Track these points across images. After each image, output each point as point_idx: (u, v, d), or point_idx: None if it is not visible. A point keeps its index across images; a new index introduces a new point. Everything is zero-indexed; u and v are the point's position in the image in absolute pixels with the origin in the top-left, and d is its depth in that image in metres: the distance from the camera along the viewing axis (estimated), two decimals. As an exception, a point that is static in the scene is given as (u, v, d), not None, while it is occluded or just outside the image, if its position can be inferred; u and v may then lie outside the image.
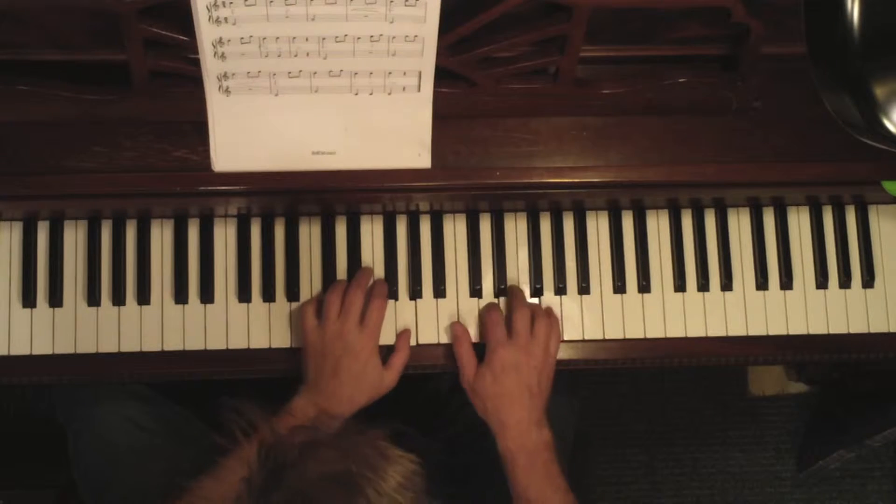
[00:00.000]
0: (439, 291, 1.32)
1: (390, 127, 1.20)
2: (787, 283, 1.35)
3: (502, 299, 1.33)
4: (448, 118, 1.21)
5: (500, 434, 1.22)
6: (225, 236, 1.32)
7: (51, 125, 1.20)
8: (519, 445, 1.21)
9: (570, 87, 1.22)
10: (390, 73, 1.16)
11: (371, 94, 1.18)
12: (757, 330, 1.35)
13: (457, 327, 1.30)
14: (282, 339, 1.31)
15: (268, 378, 1.31)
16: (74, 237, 1.31)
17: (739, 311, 1.35)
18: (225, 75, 1.14)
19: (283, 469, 0.89)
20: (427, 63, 1.14)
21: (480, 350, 1.28)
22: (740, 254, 1.36)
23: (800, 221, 1.37)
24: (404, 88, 1.18)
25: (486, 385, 1.23)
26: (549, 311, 1.30)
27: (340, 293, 1.26)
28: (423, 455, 0.96)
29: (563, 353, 1.31)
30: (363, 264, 1.32)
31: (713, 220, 1.36)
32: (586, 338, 1.33)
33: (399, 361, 1.27)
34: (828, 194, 1.35)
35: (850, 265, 1.36)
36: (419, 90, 1.18)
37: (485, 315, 1.29)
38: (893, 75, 0.91)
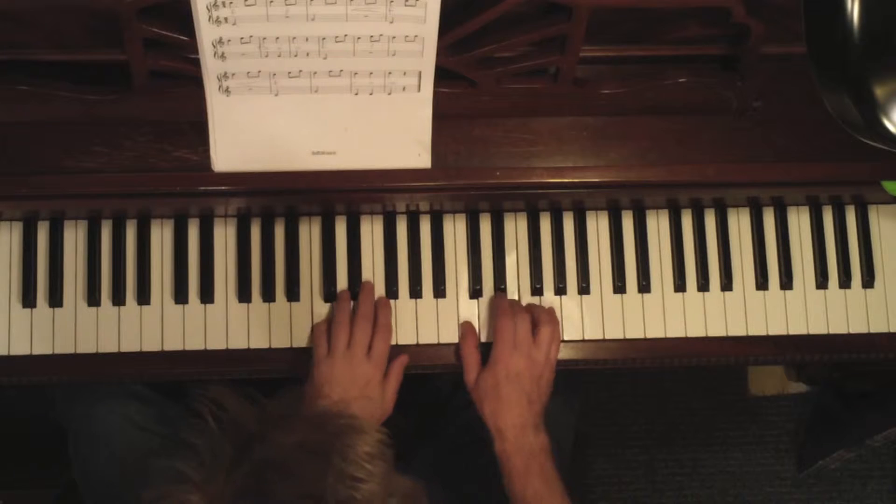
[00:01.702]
0: (439, 291, 1.32)
1: (390, 127, 1.20)
2: (787, 283, 1.35)
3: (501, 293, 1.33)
4: (448, 118, 1.21)
5: (497, 437, 1.23)
6: (225, 236, 1.32)
7: (51, 125, 1.20)
8: (515, 448, 1.22)
9: (570, 87, 1.22)
10: (390, 73, 1.16)
11: (371, 94, 1.18)
12: (757, 330, 1.34)
13: (464, 326, 1.30)
14: (282, 339, 1.31)
15: (267, 378, 1.31)
16: (74, 237, 1.31)
17: (739, 311, 1.35)
18: (225, 75, 1.14)
19: (251, 441, 0.89)
20: (427, 63, 1.14)
21: (484, 349, 1.28)
22: (740, 254, 1.36)
23: (800, 221, 1.37)
24: (404, 88, 1.18)
25: (488, 389, 1.24)
26: (550, 314, 1.30)
27: (347, 324, 1.27)
28: (395, 431, 0.96)
29: (563, 353, 1.31)
30: (363, 264, 1.32)
31: (713, 220, 1.36)
32: (586, 338, 1.33)
33: (392, 389, 1.27)
34: (828, 194, 1.35)
35: (850, 265, 1.36)
36: (419, 90, 1.18)
37: (497, 319, 1.28)
38: (893, 75, 0.91)
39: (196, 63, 1.13)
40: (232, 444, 0.89)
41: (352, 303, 1.30)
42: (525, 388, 1.23)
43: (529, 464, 1.21)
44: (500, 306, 1.29)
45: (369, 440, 0.90)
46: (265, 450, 0.87)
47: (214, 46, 1.10)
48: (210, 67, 1.13)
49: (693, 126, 1.25)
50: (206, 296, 1.30)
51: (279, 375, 1.30)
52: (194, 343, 1.30)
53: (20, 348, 1.29)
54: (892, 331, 1.36)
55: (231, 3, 1.06)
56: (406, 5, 1.08)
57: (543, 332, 1.26)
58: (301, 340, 1.30)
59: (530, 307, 1.30)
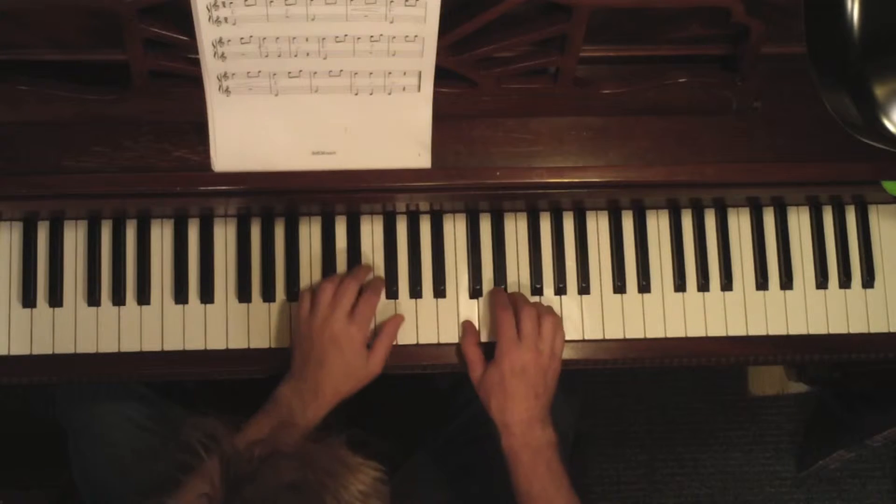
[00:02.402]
0: (439, 291, 1.32)
1: (390, 127, 1.20)
2: (787, 283, 1.35)
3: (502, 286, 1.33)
4: (448, 118, 1.21)
5: (504, 433, 1.22)
6: (225, 236, 1.32)
7: (51, 125, 1.20)
8: (523, 444, 1.21)
9: (570, 87, 1.22)
10: (390, 73, 1.16)
11: (371, 94, 1.18)
12: (757, 330, 1.35)
13: (464, 325, 1.30)
14: (282, 339, 1.31)
15: (270, 378, 1.31)
16: (74, 237, 1.31)
17: (739, 311, 1.35)
18: (225, 75, 1.14)
19: (242, 482, 0.88)
20: (427, 63, 1.14)
21: (487, 347, 1.28)
22: (740, 254, 1.36)
23: (800, 221, 1.37)
24: (404, 88, 1.18)
25: (493, 384, 1.23)
26: (551, 310, 1.29)
27: (335, 283, 1.25)
28: (390, 462, 0.95)
29: (564, 353, 1.31)
30: (363, 264, 1.32)
31: (713, 220, 1.36)
32: (586, 338, 1.33)
33: (382, 347, 1.26)
34: (828, 194, 1.35)
35: (850, 265, 1.36)
36: (419, 90, 1.18)
37: (496, 314, 1.28)
38: (893, 75, 0.91)
39: (196, 63, 1.13)
40: (222, 482, 0.89)
41: None
42: (531, 381, 1.23)
43: (536, 459, 1.21)
44: (499, 302, 1.29)
45: (363, 478, 0.90)
46: (256, 490, 0.87)
47: (214, 46, 1.10)
48: (210, 67, 1.13)
49: (693, 126, 1.25)
50: (206, 296, 1.30)
51: (279, 375, 1.30)
52: (194, 343, 1.30)
53: (20, 348, 1.29)
54: (892, 331, 1.36)
55: (231, 3, 1.06)
56: (406, 5, 1.08)
57: (547, 325, 1.25)
58: (301, 340, 1.30)
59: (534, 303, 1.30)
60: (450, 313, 1.32)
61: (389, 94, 1.18)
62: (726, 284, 1.35)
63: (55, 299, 1.29)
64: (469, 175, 1.24)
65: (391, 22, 1.09)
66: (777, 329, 1.35)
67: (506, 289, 1.33)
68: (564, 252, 1.34)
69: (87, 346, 1.29)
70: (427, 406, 1.57)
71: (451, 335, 1.32)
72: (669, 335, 1.34)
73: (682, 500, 2.08)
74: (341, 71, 1.15)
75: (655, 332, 1.34)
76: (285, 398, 1.21)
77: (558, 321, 1.28)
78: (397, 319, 1.29)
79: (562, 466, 1.23)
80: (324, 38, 1.11)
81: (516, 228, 1.34)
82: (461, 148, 1.23)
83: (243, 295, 1.31)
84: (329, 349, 1.22)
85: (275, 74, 1.15)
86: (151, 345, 1.29)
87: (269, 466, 0.89)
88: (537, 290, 1.33)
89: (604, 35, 1.21)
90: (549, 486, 1.21)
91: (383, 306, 1.31)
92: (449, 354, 1.31)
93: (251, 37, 1.10)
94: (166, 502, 1.11)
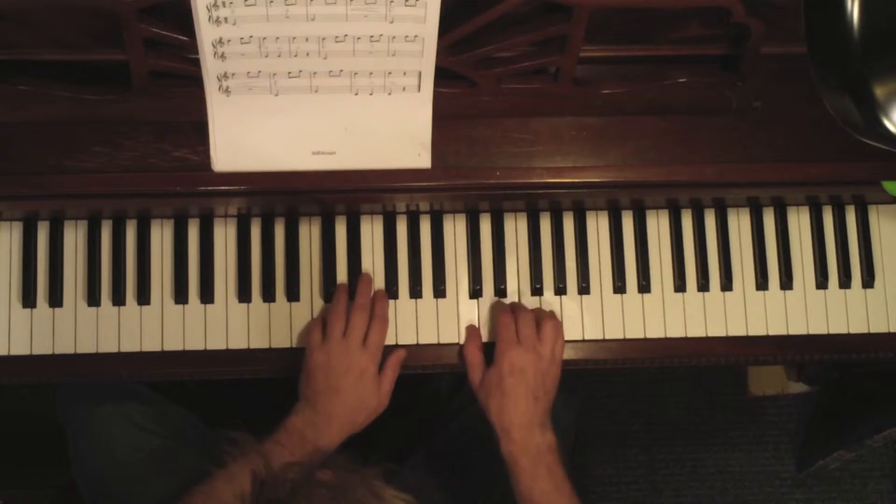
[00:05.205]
0: (439, 291, 1.32)
1: (390, 127, 1.20)
2: (787, 283, 1.35)
3: (503, 300, 1.33)
4: (448, 118, 1.21)
5: (503, 437, 1.22)
6: (225, 236, 1.32)
7: (51, 125, 1.20)
8: (522, 448, 1.21)
9: (570, 87, 1.22)
10: (390, 73, 1.16)
11: (371, 94, 1.18)
12: (757, 330, 1.35)
13: (468, 329, 1.31)
14: (282, 339, 1.31)
15: (269, 378, 1.31)
16: (74, 237, 1.31)
17: (739, 311, 1.35)
18: (225, 75, 1.14)
19: None
20: (427, 63, 1.14)
21: (488, 349, 1.28)
22: (740, 254, 1.36)
23: (800, 221, 1.37)
24: (404, 88, 1.18)
25: (492, 386, 1.24)
26: (552, 314, 1.30)
27: (343, 314, 1.26)
28: (419, 492, 0.96)
29: (564, 353, 1.31)
30: (363, 264, 1.32)
31: (713, 220, 1.36)
32: (586, 338, 1.33)
33: (387, 382, 1.27)
34: (828, 194, 1.35)
35: (850, 265, 1.36)
36: (419, 90, 1.18)
37: (497, 317, 1.28)
38: (893, 75, 0.91)
39: (196, 63, 1.13)
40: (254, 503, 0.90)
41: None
42: (530, 382, 1.23)
43: (536, 464, 1.21)
44: (499, 307, 1.29)
45: None
46: None
47: (214, 46, 1.10)
48: (210, 67, 1.13)
49: (693, 126, 1.25)
50: (206, 296, 1.30)
51: (279, 375, 1.30)
52: (194, 343, 1.30)
53: (20, 348, 1.29)
54: (892, 331, 1.36)
55: (231, 3, 1.06)
56: (406, 5, 1.08)
57: (547, 328, 1.26)
58: (301, 341, 1.30)
59: (533, 309, 1.30)
60: (450, 313, 1.32)
61: (389, 94, 1.18)
62: (726, 284, 1.35)
63: (55, 299, 1.29)
64: (469, 175, 1.24)
65: (391, 22, 1.09)
66: (777, 329, 1.35)
67: (505, 289, 1.33)
68: (564, 252, 1.34)
69: (87, 347, 1.29)
70: (426, 407, 1.57)
71: (451, 335, 1.32)
72: (669, 335, 1.34)
73: (682, 500, 2.07)
74: (341, 71, 1.15)
75: (655, 332, 1.34)
76: (297, 428, 1.22)
77: (559, 326, 1.28)
78: (399, 354, 1.29)
79: (563, 470, 1.23)
80: (324, 38, 1.11)
81: (516, 228, 1.34)
82: (461, 148, 1.23)
83: (243, 295, 1.31)
84: (345, 379, 1.23)
85: (275, 74, 1.15)
86: (151, 345, 1.29)
87: (303, 493, 0.90)
88: (537, 290, 1.33)
89: (604, 35, 1.21)
90: (550, 490, 1.21)
91: (383, 306, 1.30)
92: (449, 355, 1.31)
93: (251, 37, 1.10)
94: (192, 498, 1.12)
